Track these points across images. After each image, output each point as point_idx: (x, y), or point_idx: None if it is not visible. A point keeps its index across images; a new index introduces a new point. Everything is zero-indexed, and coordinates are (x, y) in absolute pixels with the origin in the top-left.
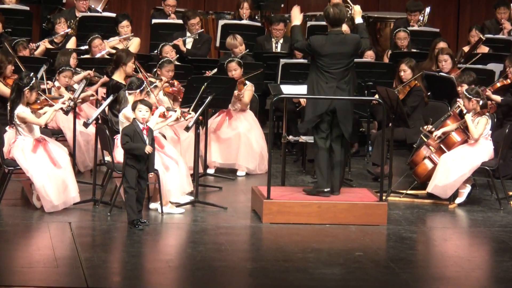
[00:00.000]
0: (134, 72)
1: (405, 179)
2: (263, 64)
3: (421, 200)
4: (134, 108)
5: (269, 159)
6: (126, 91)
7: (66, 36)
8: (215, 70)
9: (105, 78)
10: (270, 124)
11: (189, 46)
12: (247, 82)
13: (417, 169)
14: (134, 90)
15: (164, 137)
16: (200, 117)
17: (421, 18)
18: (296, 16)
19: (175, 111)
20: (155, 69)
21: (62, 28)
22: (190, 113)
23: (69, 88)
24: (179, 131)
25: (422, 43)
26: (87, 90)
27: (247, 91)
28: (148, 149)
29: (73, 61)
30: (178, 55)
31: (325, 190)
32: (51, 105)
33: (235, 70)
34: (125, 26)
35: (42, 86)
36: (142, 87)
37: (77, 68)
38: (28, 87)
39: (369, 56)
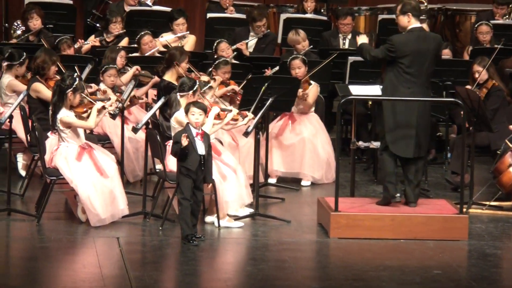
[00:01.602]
0: (187, 72)
1: (488, 189)
2: (328, 62)
3: (506, 213)
4: (186, 111)
5: (336, 167)
6: (178, 93)
7: (119, 36)
8: (276, 68)
9: (156, 79)
10: (338, 128)
11: (251, 47)
12: (312, 82)
13: (502, 178)
14: (186, 92)
15: (221, 143)
16: (260, 120)
17: (509, 12)
18: (361, 37)
19: (231, 110)
20: (210, 69)
21: (117, 28)
22: (248, 114)
23: (116, 89)
24: (237, 136)
25: (507, 38)
26: (136, 91)
27: (312, 91)
28: (184, 140)
29: (120, 60)
30: (235, 53)
31: (396, 195)
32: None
33: (299, 68)
34: (180, 24)
35: (89, 89)
36: (194, 88)
37: (126, 67)
38: (72, 89)
39: (445, 54)
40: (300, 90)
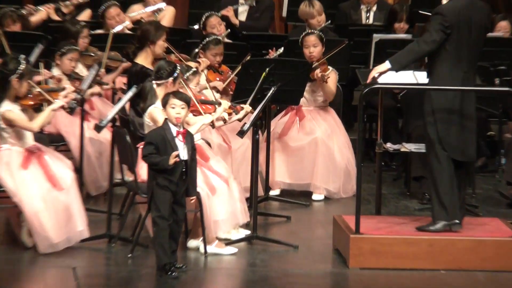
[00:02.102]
0: (165, 54)
1: None
2: (349, 42)
3: None
4: (164, 104)
5: (357, 176)
6: (153, 81)
7: (79, 6)
8: (281, 49)
9: (126, 63)
10: (360, 126)
11: (242, 17)
12: (329, 67)
13: None
14: (164, 79)
15: (209, 145)
16: (259, 116)
17: None
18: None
19: (220, 103)
20: (196, 50)
21: None
22: (244, 107)
23: (72, 76)
24: (229, 136)
25: None
26: (100, 78)
27: (332, 75)
28: (172, 158)
29: (82, 41)
30: (229, 30)
31: (457, 221)
32: (48, 101)
33: (314, 47)
34: None
35: (37, 77)
36: (175, 74)
37: (91, 52)
38: (17, 75)
39: (502, 28)
40: (317, 71)
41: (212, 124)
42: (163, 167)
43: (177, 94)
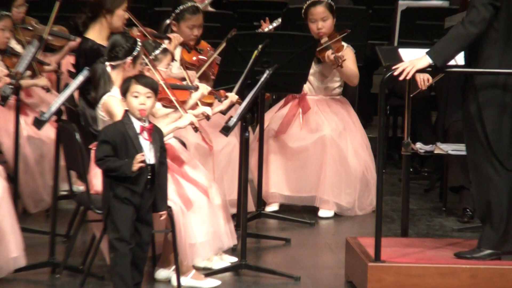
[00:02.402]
0: (125, 28)
1: None
2: (365, 10)
3: None
4: (124, 91)
5: (378, 186)
6: (107, 62)
7: None
8: (278, 21)
9: (74, 41)
10: (381, 121)
11: None
12: (343, 43)
13: None
14: (121, 59)
15: (184, 145)
16: (248, 107)
17: None
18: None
19: (197, 87)
20: (167, 22)
21: None
22: (229, 95)
23: (8, 52)
24: (211, 134)
25: None
26: (42, 58)
27: (349, 52)
28: (137, 162)
29: (16, 11)
30: None
31: (510, 250)
32: None
33: (323, 21)
34: None
35: None
36: (134, 53)
37: (28, 24)
38: None
39: None
40: (329, 52)
41: (194, 128)
42: (124, 174)
43: (140, 79)
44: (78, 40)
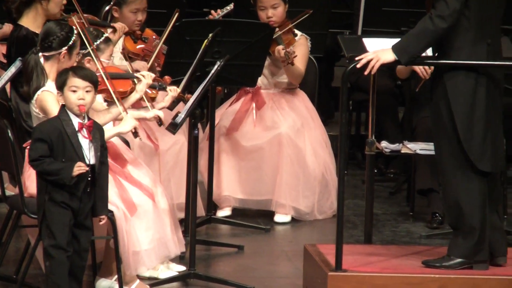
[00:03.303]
0: (63, 14)
1: None
2: None
3: None
4: (61, 85)
5: (339, 189)
6: (40, 53)
7: None
8: (231, 6)
9: (5, 27)
10: (343, 117)
11: None
12: (297, 31)
13: None
14: (56, 50)
15: (127, 144)
16: (197, 101)
17: None
18: None
19: (139, 79)
20: (107, 8)
21: None
22: (174, 89)
23: None
24: (156, 132)
25: None
26: None
27: (301, 48)
28: (78, 168)
29: None
30: None
31: (483, 259)
32: None
33: (273, 8)
34: None
35: None
36: (70, 42)
37: None
38: None
39: None
40: (279, 47)
41: (135, 133)
42: (62, 180)
43: (78, 71)
44: (10, 27)
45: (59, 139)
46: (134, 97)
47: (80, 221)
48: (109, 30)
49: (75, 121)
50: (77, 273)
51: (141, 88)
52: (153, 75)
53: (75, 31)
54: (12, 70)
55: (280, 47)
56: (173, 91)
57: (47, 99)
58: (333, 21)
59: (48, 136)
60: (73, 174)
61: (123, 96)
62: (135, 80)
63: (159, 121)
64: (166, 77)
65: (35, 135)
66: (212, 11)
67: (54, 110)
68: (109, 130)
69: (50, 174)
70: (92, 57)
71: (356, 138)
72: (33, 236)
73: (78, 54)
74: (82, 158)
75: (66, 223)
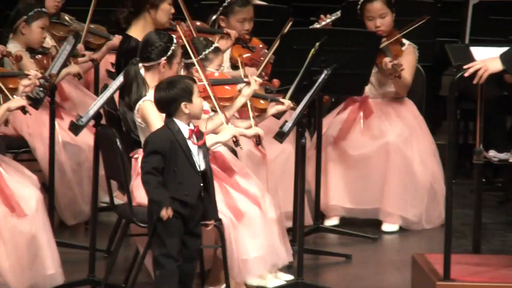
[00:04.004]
0: (172, 22)
1: None
2: (433, 4)
3: None
4: (188, 95)
5: (447, 198)
6: (140, 63)
7: None
8: (338, 14)
9: (114, 40)
10: (451, 126)
11: None
12: (404, 41)
13: None
14: (155, 60)
15: (235, 153)
16: (305, 112)
17: None
18: None
19: (247, 82)
20: (214, 17)
21: None
22: (283, 102)
23: (42, 51)
24: (263, 141)
25: None
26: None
27: (408, 58)
28: (164, 215)
29: (53, 2)
30: None
31: None
32: (3, 93)
33: (382, 18)
34: None
35: None
36: (169, 52)
37: (64, 20)
38: None
39: None
40: (387, 60)
41: (236, 141)
42: (150, 212)
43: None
44: (119, 38)
45: (171, 148)
46: (239, 101)
47: (190, 228)
48: (217, 37)
49: (185, 128)
50: (186, 282)
51: (247, 93)
52: (259, 80)
53: (175, 40)
54: (120, 79)
55: (388, 59)
56: (287, 104)
57: (149, 108)
58: (441, 30)
59: (161, 147)
60: (160, 216)
61: (229, 102)
62: (242, 86)
63: (258, 140)
64: (275, 80)
65: (148, 148)
66: (322, 15)
67: (155, 119)
68: (208, 139)
69: (151, 197)
70: (197, 68)
71: (464, 147)
72: (142, 245)
73: (180, 63)
74: (193, 165)
75: (177, 232)
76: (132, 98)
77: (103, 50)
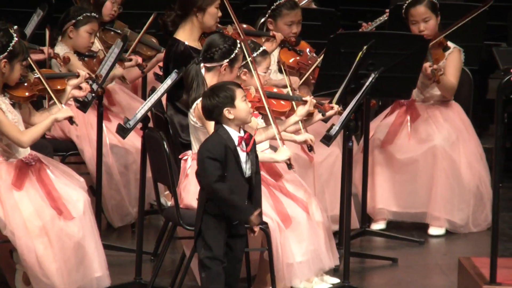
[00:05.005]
0: (220, 26)
1: None
2: (480, 7)
3: None
4: (231, 101)
5: (494, 202)
6: (202, 64)
7: None
8: (384, 16)
9: (161, 54)
10: (498, 130)
11: None
12: (450, 44)
13: None
14: (218, 62)
15: None
16: (352, 115)
17: None
18: None
19: (303, 101)
20: (262, 20)
21: None
22: (333, 107)
23: (89, 55)
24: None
25: None
26: (126, 61)
27: (453, 61)
28: (255, 223)
29: (109, 7)
30: None
31: None
32: (56, 92)
33: (425, 22)
34: None
35: (35, 56)
36: (233, 55)
37: (118, 28)
38: (5, 53)
39: None
40: (427, 64)
41: (289, 164)
42: (238, 217)
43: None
44: (163, 51)
45: (225, 155)
46: (293, 119)
47: (235, 231)
48: (263, 40)
49: (235, 135)
50: (232, 283)
51: (301, 113)
52: (315, 101)
53: (239, 45)
54: (168, 82)
55: (428, 64)
56: (336, 107)
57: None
58: (489, 34)
59: (218, 154)
60: (252, 220)
61: (282, 116)
62: (295, 102)
63: (309, 146)
64: (326, 104)
65: (204, 154)
66: (364, 24)
67: (209, 123)
68: (264, 155)
69: (225, 204)
70: (249, 70)
71: (511, 151)
72: (188, 248)
73: (240, 68)
74: (241, 171)
75: (222, 234)
76: (191, 96)
77: (153, 61)
